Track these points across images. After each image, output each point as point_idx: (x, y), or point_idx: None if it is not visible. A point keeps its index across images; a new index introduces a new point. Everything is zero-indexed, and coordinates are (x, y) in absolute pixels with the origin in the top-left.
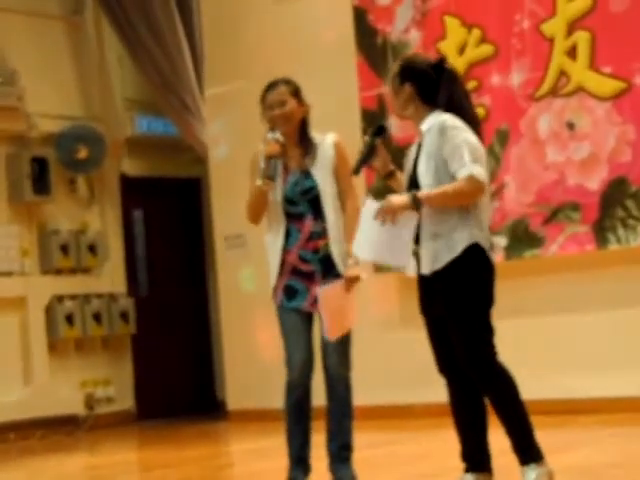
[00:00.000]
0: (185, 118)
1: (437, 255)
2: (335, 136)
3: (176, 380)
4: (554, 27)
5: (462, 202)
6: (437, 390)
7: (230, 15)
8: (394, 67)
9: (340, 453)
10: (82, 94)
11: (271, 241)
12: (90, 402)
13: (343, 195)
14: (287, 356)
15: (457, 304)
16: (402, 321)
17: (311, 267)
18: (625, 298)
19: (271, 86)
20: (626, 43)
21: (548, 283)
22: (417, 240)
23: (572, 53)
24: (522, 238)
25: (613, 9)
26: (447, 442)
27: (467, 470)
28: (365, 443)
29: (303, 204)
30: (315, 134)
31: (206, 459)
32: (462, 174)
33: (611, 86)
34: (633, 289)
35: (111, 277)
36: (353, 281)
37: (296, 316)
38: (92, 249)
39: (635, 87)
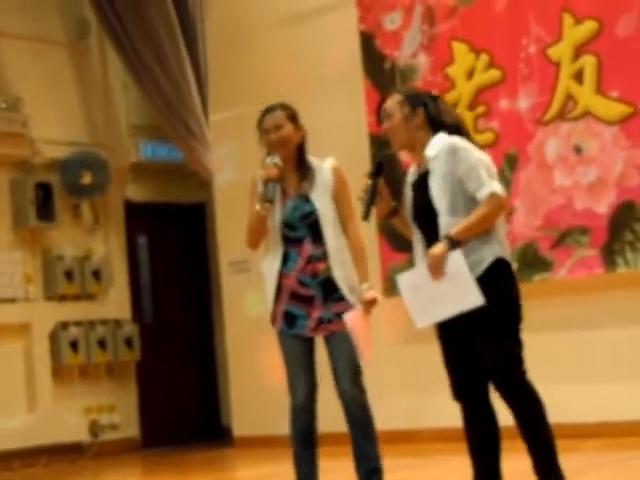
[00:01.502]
0: (190, 143)
1: (478, 261)
2: (333, 160)
3: (181, 407)
4: (560, 51)
5: (491, 224)
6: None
7: (235, 40)
8: (396, 98)
9: (369, 477)
10: (86, 120)
11: (268, 266)
12: (94, 429)
13: (344, 219)
14: (290, 382)
15: (488, 320)
16: (409, 342)
17: (311, 291)
18: (634, 318)
19: (268, 110)
20: (633, 67)
21: (557, 306)
22: None
23: (579, 77)
24: (531, 262)
25: (619, 33)
26: (456, 468)
27: None
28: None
29: (302, 228)
30: (313, 159)
31: None
32: (483, 194)
33: (618, 110)
34: None
35: (116, 303)
36: (371, 304)
37: (297, 342)
38: (96, 275)
39: None
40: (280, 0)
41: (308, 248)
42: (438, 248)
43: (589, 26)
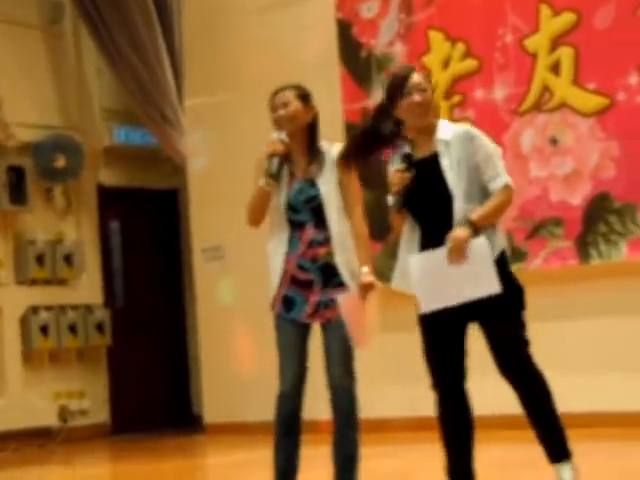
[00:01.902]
0: (164, 129)
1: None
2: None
3: (152, 393)
4: (537, 42)
5: (503, 214)
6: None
7: (211, 26)
8: (422, 75)
9: (344, 465)
10: (60, 103)
11: (273, 248)
12: (64, 414)
13: (350, 205)
14: (280, 368)
15: (501, 306)
16: (383, 331)
17: (310, 276)
18: (606, 310)
19: (278, 90)
20: (610, 59)
21: (531, 296)
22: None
23: (555, 69)
24: None
25: (597, 25)
26: (428, 457)
27: None
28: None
29: (305, 212)
30: (323, 142)
31: (182, 472)
32: (499, 184)
33: (595, 102)
34: (614, 301)
35: (87, 288)
36: (368, 288)
37: (292, 328)
38: (68, 260)
39: (619, 103)
40: None
41: (310, 232)
42: (462, 232)
43: (567, 18)
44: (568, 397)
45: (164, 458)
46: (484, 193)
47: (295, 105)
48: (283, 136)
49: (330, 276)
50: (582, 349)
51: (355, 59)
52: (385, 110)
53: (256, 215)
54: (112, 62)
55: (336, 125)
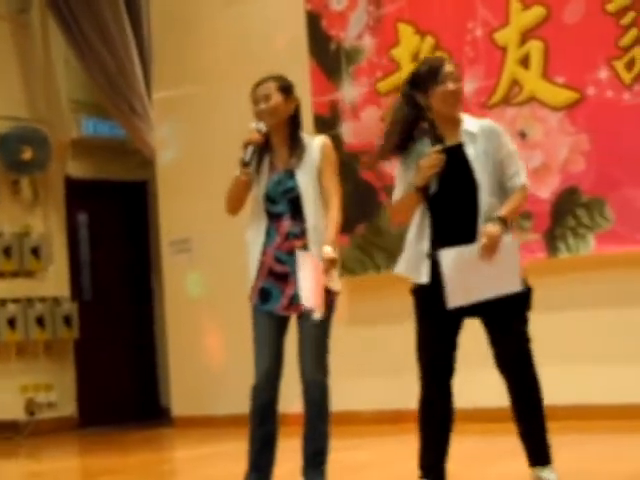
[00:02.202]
0: (132, 121)
1: None
2: (324, 137)
3: (119, 386)
4: (507, 36)
5: (520, 212)
6: (381, 397)
7: (180, 17)
8: (453, 65)
9: (314, 458)
10: (27, 95)
11: (252, 239)
12: (31, 407)
13: (329, 194)
14: (255, 360)
15: (515, 305)
16: (350, 324)
17: (286, 268)
18: (574, 303)
19: (260, 82)
20: (579, 54)
21: None
22: (474, 239)
23: (525, 62)
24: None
25: (567, 20)
26: (393, 449)
27: (423, 477)
28: None
29: (282, 203)
30: (305, 135)
31: (150, 465)
32: (519, 182)
33: (564, 96)
34: (582, 295)
35: (54, 281)
36: (330, 263)
37: (268, 320)
38: (35, 252)
39: (588, 98)
40: None
41: (286, 224)
42: (496, 228)
43: (536, 12)
44: (549, 388)
45: (132, 451)
46: (502, 190)
47: (276, 98)
48: (261, 125)
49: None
50: (550, 342)
51: (324, 52)
52: (411, 98)
53: (233, 203)
54: (80, 54)
55: (305, 117)
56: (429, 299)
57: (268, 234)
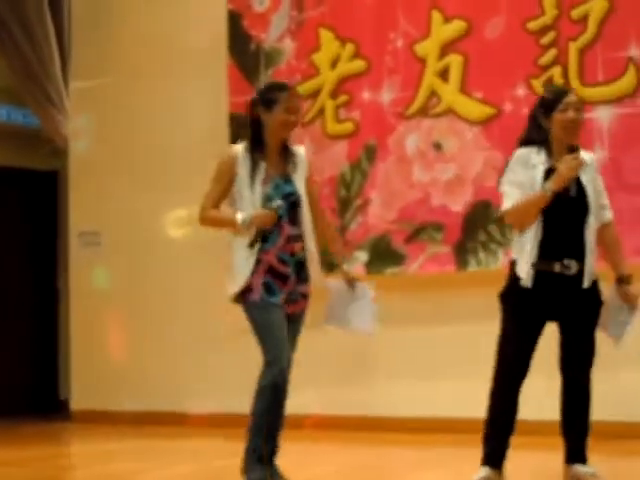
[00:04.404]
0: (47, 110)
1: (593, 271)
2: (304, 149)
3: (16, 378)
4: (427, 48)
5: None
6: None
7: (102, 9)
8: (578, 97)
9: (272, 458)
10: None
11: (243, 243)
12: None
13: (316, 201)
14: (272, 347)
15: (597, 317)
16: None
17: (288, 269)
18: (480, 316)
19: (293, 87)
20: (498, 70)
21: (407, 300)
22: (579, 255)
23: (444, 75)
24: (383, 255)
25: (488, 35)
26: (320, 453)
27: (485, 464)
28: (226, 452)
29: (282, 207)
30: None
31: (47, 459)
32: (609, 216)
33: (481, 111)
34: (489, 307)
35: None
36: (355, 280)
37: (279, 311)
38: None
39: (504, 114)
40: None
41: (287, 228)
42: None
43: (457, 25)
44: (440, 402)
45: (27, 444)
46: (598, 216)
47: (301, 113)
48: (280, 203)
49: (300, 271)
50: (454, 355)
51: (244, 51)
52: (537, 120)
53: (212, 227)
54: None
55: (221, 116)
56: (524, 303)
57: (265, 236)
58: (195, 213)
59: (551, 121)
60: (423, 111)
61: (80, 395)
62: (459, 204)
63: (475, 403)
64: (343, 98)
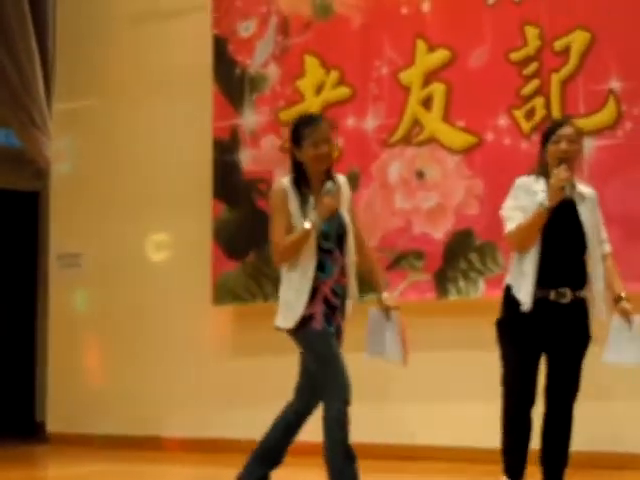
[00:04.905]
0: (30, 131)
1: (602, 300)
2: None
3: None
4: (411, 76)
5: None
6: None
7: (86, 32)
8: (576, 128)
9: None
10: None
11: (298, 277)
12: None
13: (360, 232)
14: (338, 376)
15: (586, 344)
16: (235, 352)
17: (337, 301)
18: (459, 344)
19: (317, 119)
20: (481, 99)
21: None
22: (574, 284)
23: (427, 104)
24: (364, 281)
25: (471, 65)
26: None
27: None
28: (200, 477)
29: (332, 239)
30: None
31: None
32: (608, 249)
33: (463, 140)
34: (469, 336)
35: None
36: (394, 309)
37: (336, 341)
38: None
39: (486, 143)
40: None
41: (339, 259)
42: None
43: (441, 55)
44: (420, 428)
45: (2, 467)
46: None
47: (332, 142)
48: (331, 186)
49: (342, 305)
50: (434, 381)
51: (229, 77)
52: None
53: (296, 253)
54: None
55: (205, 141)
56: (524, 329)
57: (323, 267)
58: (176, 235)
59: (546, 152)
60: (406, 139)
61: (57, 418)
62: (440, 232)
63: (452, 428)
64: None
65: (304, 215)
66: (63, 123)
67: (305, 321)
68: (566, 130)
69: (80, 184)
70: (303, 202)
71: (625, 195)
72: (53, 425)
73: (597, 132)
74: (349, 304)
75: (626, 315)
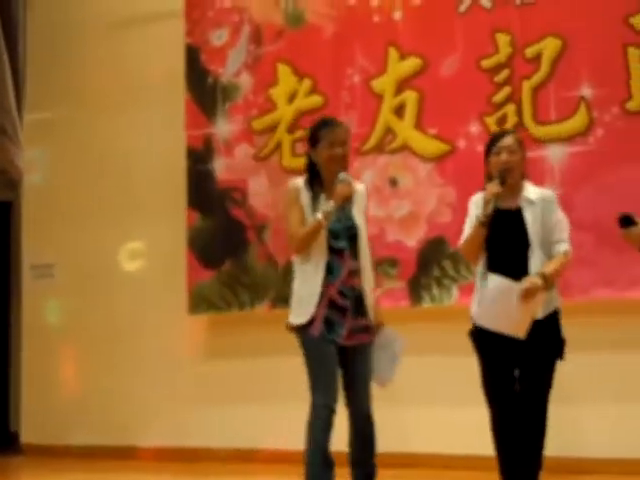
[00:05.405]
0: (1, 142)
1: (549, 301)
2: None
3: None
4: (383, 84)
5: (560, 275)
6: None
7: (58, 40)
8: (516, 137)
9: None
10: None
11: (311, 273)
12: None
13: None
14: (324, 383)
15: (554, 350)
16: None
17: (347, 303)
18: (432, 351)
19: (335, 122)
20: (453, 107)
21: None
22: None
23: (400, 111)
24: None
25: (443, 73)
26: None
27: None
28: None
29: (344, 240)
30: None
31: None
32: (564, 248)
33: (435, 147)
34: (443, 342)
35: None
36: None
37: (332, 348)
38: None
39: (458, 150)
40: (109, 5)
41: (349, 261)
42: (539, 280)
43: (413, 62)
44: (401, 435)
45: None
46: (549, 252)
47: (349, 146)
48: (345, 176)
49: (359, 305)
50: (409, 387)
51: (201, 85)
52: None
53: (309, 245)
54: None
55: (178, 149)
56: (483, 341)
57: (331, 268)
58: (151, 244)
59: (489, 163)
60: (379, 147)
61: (31, 428)
62: (413, 240)
63: (426, 435)
64: (300, 133)
65: (315, 211)
66: (35, 132)
67: (305, 326)
68: (506, 141)
69: (53, 194)
70: (314, 199)
71: (596, 201)
72: (27, 436)
73: (569, 139)
74: (369, 305)
75: (524, 288)
